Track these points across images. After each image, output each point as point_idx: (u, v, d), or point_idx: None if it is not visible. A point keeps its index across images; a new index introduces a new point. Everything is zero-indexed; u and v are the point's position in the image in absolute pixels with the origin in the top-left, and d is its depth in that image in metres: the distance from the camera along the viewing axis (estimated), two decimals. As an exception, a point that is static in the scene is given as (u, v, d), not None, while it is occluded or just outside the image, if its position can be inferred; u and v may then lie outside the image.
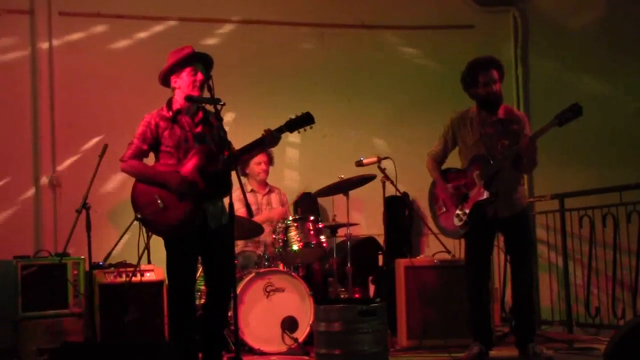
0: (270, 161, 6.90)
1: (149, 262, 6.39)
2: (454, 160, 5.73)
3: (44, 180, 7.11)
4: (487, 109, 5.50)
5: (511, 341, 5.75)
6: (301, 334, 6.03)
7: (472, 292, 5.57)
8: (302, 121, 4.86)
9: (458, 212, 5.49)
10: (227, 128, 4.87)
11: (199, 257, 4.97)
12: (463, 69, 5.55)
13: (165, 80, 4.92)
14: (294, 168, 7.89)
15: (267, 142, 4.81)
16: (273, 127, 4.84)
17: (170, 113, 4.85)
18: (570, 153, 7.94)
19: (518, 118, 5.57)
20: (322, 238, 6.36)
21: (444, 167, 5.70)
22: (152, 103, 5.00)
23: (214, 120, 4.81)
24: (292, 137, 4.93)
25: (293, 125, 4.85)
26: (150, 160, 4.94)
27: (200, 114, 4.89)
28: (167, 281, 5.53)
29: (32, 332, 5.80)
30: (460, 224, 5.48)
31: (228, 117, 4.85)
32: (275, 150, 6.61)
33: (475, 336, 5.55)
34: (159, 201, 4.72)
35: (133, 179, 4.86)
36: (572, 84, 8.13)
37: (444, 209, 5.61)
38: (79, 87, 7.30)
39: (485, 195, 5.38)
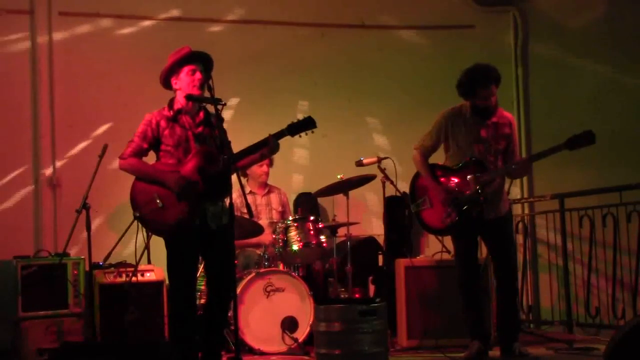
0: (270, 163, 6.90)
1: (149, 262, 6.39)
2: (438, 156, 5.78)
3: (44, 180, 7.11)
4: (482, 116, 5.51)
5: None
6: (301, 334, 6.03)
7: (463, 290, 5.61)
8: (304, 125, 4.85)
9: (449, 211, 5.48)
10: (226, 127, 4.87)
11: (200, 257, 4.97)
12: (461, 74, 5.49)
13: (166, 82, 4.92)
14: (293, 168, 7.88)
15: (269, 145, 4.79)
16: (273, 128, 4.84)
17: (171, 112, 4.85)
18: (570, 153, 7.89)
19: (509, 121, 5.59)
20: (322, 238, 6.36)
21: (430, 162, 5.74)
22: (153, 103, 5.00)
23: (214, 120, 4.80)
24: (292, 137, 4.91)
25: (295, 129, 4.84)
26: (150, 160, 4.94)
27: (202, 114, 4.89)
28: (167, 281, 5.54)
29: (32, 332, 5.79)
30: (448, 224, 5.49)
31: (227, 117, 4.83)
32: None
33: (472, 335, 5.57)
34: (158, 200, 4.72)
35: (134, 179, 4.86)
36: (572, 84, 8.14)
37: (429, 205, 5.62)
38: (79, 87, 7.30)
39: (480, 199, 5.39)
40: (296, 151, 7.88)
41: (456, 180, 5.51)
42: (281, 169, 7.49)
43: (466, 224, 5.49)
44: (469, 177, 5.44)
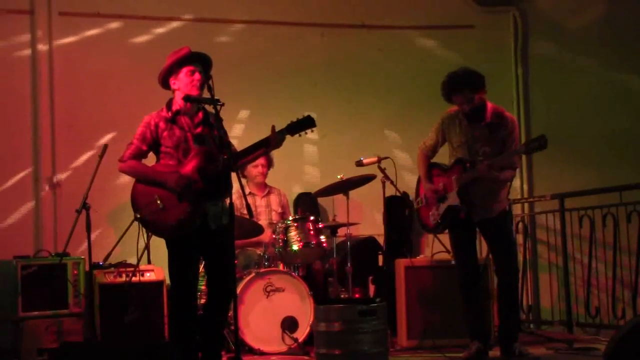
0: (269, 163, 6.86)
1: (149, 262, 6.39)
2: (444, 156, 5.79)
3: (44, 180, 7.10)
4: (471, 119, 5.51)
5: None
6: (301, 334, 6.03)
7: (462, 290, 5.63)
8: (303, 124, 4.82)
9: (434, 211, 5.58)
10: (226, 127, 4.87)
11: (200, 258, 4.97)
12: (443, 80, 5.55)
13: (164, 82, 4.91)
14: (293, 168, 7.87)
15: (272, 142, 4.77)
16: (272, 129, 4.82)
17: (170, 114, 4.85)
18: (570, 153, 7.94)
19: (507, 123, 5.54)
20: (322, 238, 6.35)
21: (433, 160, 5.77)
22: (153, 103, 5.00)
23: (213, 120, 4.79)
24: (291, 137, 4.88)
25: (294, 128, 4.81)
26: (150, 161, 4.93)
27: (200, 115, 4.88)
28: (167, 281, 5.54)
29: (32, 332, 5.79)
30: (434, 223, 5.59)
31: (226, 117, 4.81)
32: (274, 151, 6.59)
33: (472, 335, 5.57)
34: (159, 201, 4.72)
35: (133, 179, 4.87)
36: (572, 84, 8.14)
37: (425, 203, 5.70)
38: (79, 87, 7.29)
39: (457, 201, 5.43)
40: (295, 151, 7.87)
41: (444, 179, 5.57)
42: (281, 169, 7.49)
43: (457, 224, 5.52)
44: (453, 177, 5.47)
